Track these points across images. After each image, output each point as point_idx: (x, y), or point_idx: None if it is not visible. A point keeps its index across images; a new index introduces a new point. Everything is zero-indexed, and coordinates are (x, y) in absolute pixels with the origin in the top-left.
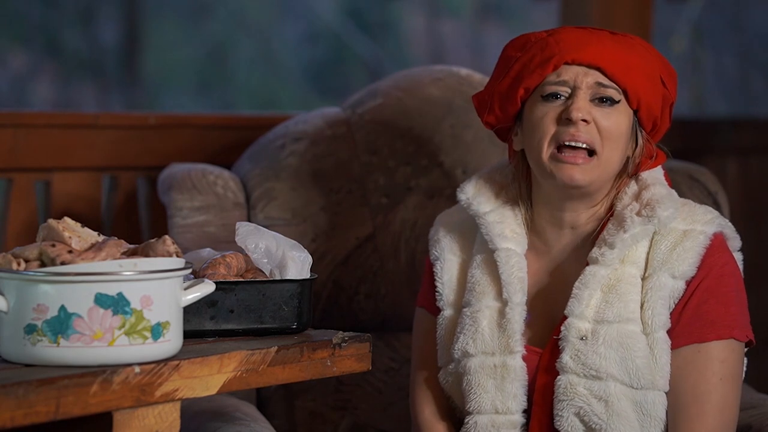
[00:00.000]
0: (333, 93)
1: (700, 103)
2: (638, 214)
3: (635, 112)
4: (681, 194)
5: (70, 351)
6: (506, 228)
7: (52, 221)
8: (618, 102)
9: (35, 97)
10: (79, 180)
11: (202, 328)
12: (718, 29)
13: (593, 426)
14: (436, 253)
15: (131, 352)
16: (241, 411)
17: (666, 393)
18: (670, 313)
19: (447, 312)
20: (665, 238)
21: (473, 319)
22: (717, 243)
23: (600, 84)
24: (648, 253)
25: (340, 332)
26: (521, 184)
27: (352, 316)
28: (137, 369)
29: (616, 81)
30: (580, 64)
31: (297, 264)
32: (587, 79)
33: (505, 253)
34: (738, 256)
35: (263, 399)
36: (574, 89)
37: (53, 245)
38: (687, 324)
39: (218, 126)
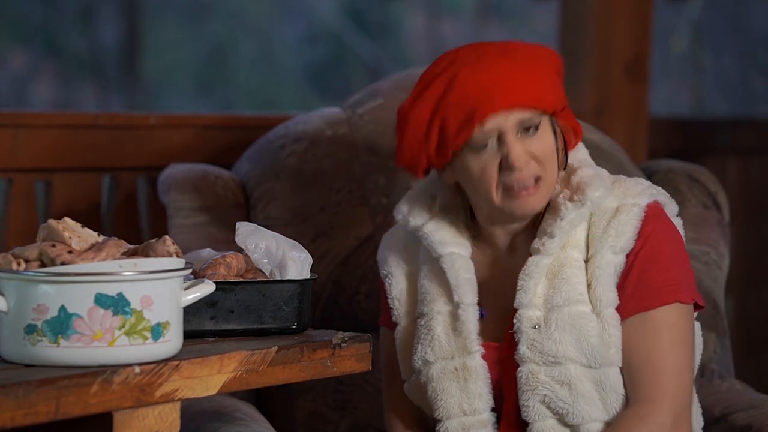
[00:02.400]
0: (333, 93)
1: (700, 104)
2: (570, 200)
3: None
4: (681, 194)
5: (70, 351)
6: (446, 234)
7: (52, 221)
8: (539, 123)
9: (35, 97)
10: (79, 180)
11: (202, 328)
12: (718, 29)
13: (559, 411)
14: (384, 270)
15: (131, 352)
16: (241, 411)
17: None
18: (617, 288)
19: (401, 324)
20: (601, 218)
21: (428, 328)
22: (651, 212)
23: (522, 120)
24: (587, 235)
25: (340, 332)
26: (459, 199)
27: (352, 316)
28: (137, 369)
29: (534, 108)
30: (498, 111)
31: (297, 264)
32: (509, 122)
33: (449, 257)
34: (678, 222)
35: (263, 399)
36: (501, 134)
37: (53, 245)
38: (632, 295)
39: (218, 126)
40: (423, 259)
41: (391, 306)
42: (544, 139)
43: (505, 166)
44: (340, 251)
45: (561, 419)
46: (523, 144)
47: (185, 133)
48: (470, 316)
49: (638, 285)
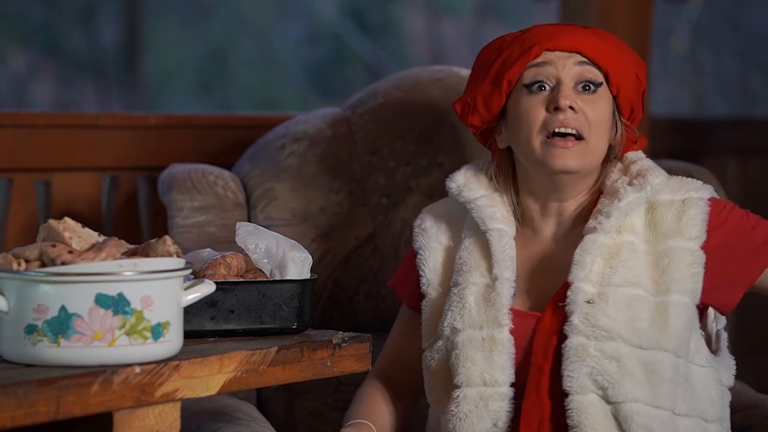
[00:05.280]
0: (333, 93)
1: (700, 103)
2: (629, 184)
3: (614, 99)
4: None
5: (71, 351)
6: (497, 211)
7: (52, 221)
8: (600, 86)
9: (35, 97)
10: (80, 180)
11: (203, 328)
12: (718, 29)
13: (604, 385)
14: (422, 241)
15: (131, 352)
16: (241, 411)
17: (674, 354)
18: (708, 282)
19: (432, 295)
20: (669, 210)
21: (460, 296)
22: (715, 202)
23: (582, 63)
24: (649, 223)
25: (340, 332)
26: (507, 179)
27: (352, 316)
28: (137, 369)
29: (597, 63)
30: (561, 50)
31: (297, 264)
32: (569, 61)
33: (497, 232)
34: None
35: (263, 399)
36: (558, 80)
37: (53, 245)
38: (747, 252)
39: (218, 126)
40: (466, 233)
41: (425, 277)
42: (600, 106)
43: (553, 105)
44: (340, 251)
45: (604, 394)
46: (578, 98)
47: (185, 133)
48: (506, 290)
49: (747, 250)
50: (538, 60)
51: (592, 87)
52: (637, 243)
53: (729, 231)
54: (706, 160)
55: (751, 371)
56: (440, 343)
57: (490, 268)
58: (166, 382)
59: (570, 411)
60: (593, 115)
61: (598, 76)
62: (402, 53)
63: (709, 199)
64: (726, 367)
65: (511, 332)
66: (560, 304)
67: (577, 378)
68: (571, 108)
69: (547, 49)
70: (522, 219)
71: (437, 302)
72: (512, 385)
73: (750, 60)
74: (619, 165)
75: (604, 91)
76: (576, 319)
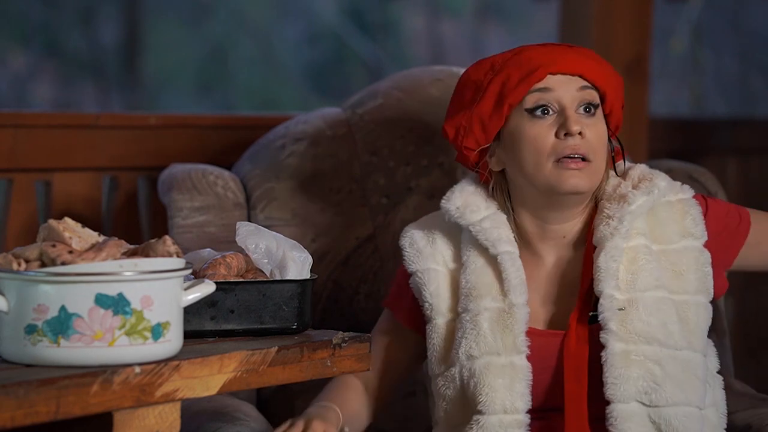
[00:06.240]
0: (333, 93)
1: (700, 103)
2: (635, 188)
3: (606, 117)
4: None
5: (71, 351)
6: (503, 233)
7: (52, 221)
8: (597, 107)
9: (35, 97)
10: (80, 180)
11: (203, 328)
12: (718, 29)
13: (648, 390)
14: (418, 263)
15: (131, 352)
16: (241, 411)
17: (702, 353)
18: (714, 271)
19: (438, 321)
20: (668, 210)
21: (474, 323)
22: (697, 198)
23: (584, 87)
24: (650, 225)
25: (340, 332)
26: (504, 200)
27: (352, 317)
28: (137, 369)
29: (596, 86)
30: (563, 74)
31: (297, 264)
32: (571, 86)
33: (508, 256)
34: None
35: (263, 399)
36: (562, 105)
37: (53, 245)
38: (728, 237)
39: (218, 126)
40: (468, 254)
41: (428, 302)
42: (599, 127)
43: (563, 131)
44: (340, 251)
45: (647, 399)
46: (580, 122)
47: (185, 133)
48: (522, 315)
49: (726, 230)
50: (541, 85)
51: (593, 109)
52: (648, 245)
53: (713, 222)
54: (706, 160)
55: (751, 371)
56: (454, 370)
57: (501, 292)
58: (166, 382)
59: (613, 419)
60: (595, 137)
61: (596, 98)
62: (402, 53)
63: (693, 197)
64: (711, 351)
65: (529, 357)
66: (591, 313)
67: (621, 385)
68: (580, 133)
69: (550, 73)
70: (521, 239)
71: (446, 328)
72: (528, 411)
73: (750, 60)
74: (612, 172)
75: (600, 112)
76: (614, 326)
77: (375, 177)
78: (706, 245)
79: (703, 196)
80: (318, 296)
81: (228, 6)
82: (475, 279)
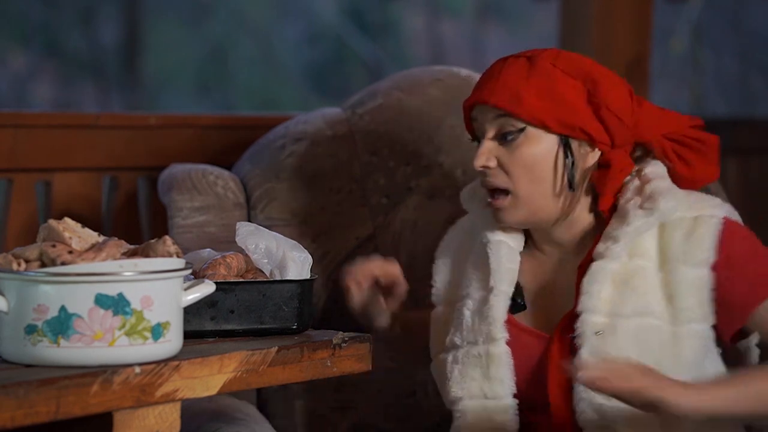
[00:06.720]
0: (333, 93)
1: (700, 103)
2: (641, 207)
3: (552, 131)
4: None
5: (71, 351)
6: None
7: (52, 221)
8: (522, 131)
9: (35, 97)
10: (80, 180)
11: (203, 328)
12: (718, 29)
13: (615, 419)
14: (440, 251)
15: (131, 352)
16: (241, 411)
17: None
18: (715, 302)
19: (439, 309)
20: (677, 229)
21: (460, 312)
22: (729, 223)
23: (498, 116)
24: (660, 245)
25: (340, 332)
26: None
27: (352, 317)
28: (137, 369)
29: (509, 112)
30: (480, 104)
31: (297, 264)
32: (489, 115)
33: (496, 244)
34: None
35: (263, 399)
36: (483, 135)
37: (53, 245)
38: (744, 292)
39: (218, 126)
40: (477, 246)
41: (433, 287)
42: (521, 152)
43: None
44: (340, 251)
45: (613, 428)
46: (498, 150)
47: (185, 133)
48: (500, 303)
49: (745, 279)
50: (472, 114)
51: (509, 137)
52: (649, 267)
53: (729, 248)
54: None
55: None
56: (442, 356)
57: (487, 281)
58: (166, 383)
59: None
60: (512, 164)
61: (517, 124)
62: (402, 53)
63: (723, 218)
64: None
65: (511, 344)
66: (570, 335)
67: (587, 412)
68: (485, 166)
69: (470, 104)
70: (532, 240)
71: (443, 316)
72: (515, 395)
73: (750, 60)
74: (637, 182)
75: (531, 132)
76: (585, 353)
77: (375, 177)
78: (715, 267)
79: (748, 232)
80: (318, 296)
81: (228, 6)
82: (471, 269)
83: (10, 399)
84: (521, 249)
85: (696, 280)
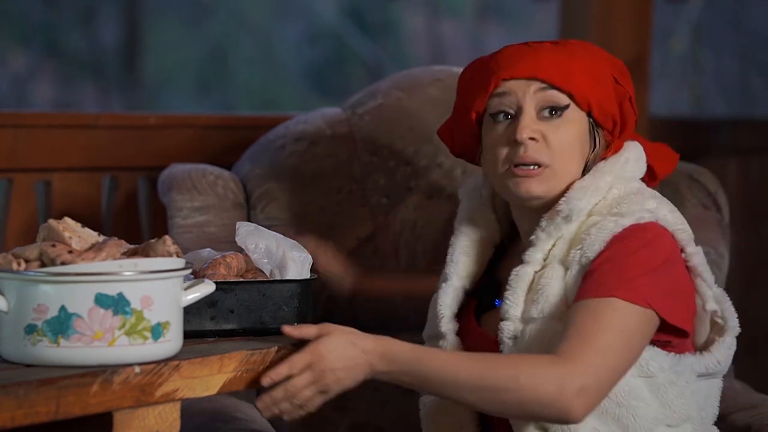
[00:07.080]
0: (333, 93)
1: (700, 103)
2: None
3: (589, 114)
4: (681, 195)
5: (71, 351)
6: (476, 216)
7: (52, 221)
8: (566, 107)
9: (35, 97)
10: (80, 180)
11: (203, 328)
12: (718, 29)
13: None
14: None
15: (131, 352)
16: (241, 411)
17: None
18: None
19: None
20: (584, 233)
21: (432, 305)
22: (635, 228)
23: (543, 89)
24: (569, 248)
25: None
26: (498, 198)
27: (352, 317)
28: (137, 369)
29: (557, 87)
30: (518, 78)
31: (297, 264)
32: (529, 89)
33: (461, 234)
34: (693, 249)
35: None
36: (520, 108)
37: (53, 245)
38: (585, 287)
39: (218, 126)
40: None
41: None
42: (565, 130)
43: (513, 137)
44: (340, 251)
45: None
46: (540, 125)
47: (185, 133)
48: (447, 298)
49: (588, 278)
50: (498, 90)
51: (558, 111)
52: (558, 270)
53: (614, 253)
54: (706, 160)
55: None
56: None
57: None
58: (166, 382)
59: None
60: (556, 141)
61: (563, 99)
62: (402, 53)
63: (631, 224)
64: (706, 356)
65: (465, 342)
66: (497, 339)
67: (516, 423)
68: (532, 138)
69: (504, 79)
70: (517, 234)
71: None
72: None
73: (750, 60)
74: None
75: (572, 112)
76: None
77: (375, 177)
78: (591, 269)
79: (648, 240)
80: (318, 296)
81: (228, 6)
82: (448, 261)
83: (10, 399)
84: (493, 242)
85: (561, 273)
